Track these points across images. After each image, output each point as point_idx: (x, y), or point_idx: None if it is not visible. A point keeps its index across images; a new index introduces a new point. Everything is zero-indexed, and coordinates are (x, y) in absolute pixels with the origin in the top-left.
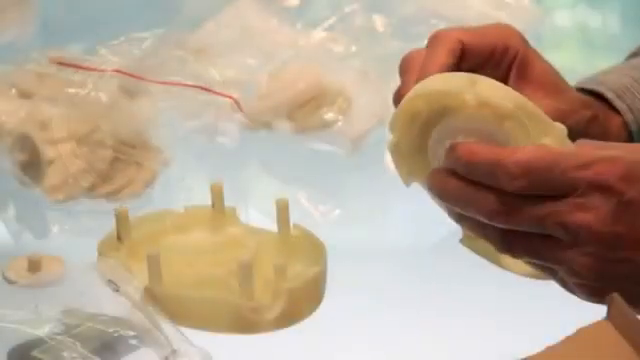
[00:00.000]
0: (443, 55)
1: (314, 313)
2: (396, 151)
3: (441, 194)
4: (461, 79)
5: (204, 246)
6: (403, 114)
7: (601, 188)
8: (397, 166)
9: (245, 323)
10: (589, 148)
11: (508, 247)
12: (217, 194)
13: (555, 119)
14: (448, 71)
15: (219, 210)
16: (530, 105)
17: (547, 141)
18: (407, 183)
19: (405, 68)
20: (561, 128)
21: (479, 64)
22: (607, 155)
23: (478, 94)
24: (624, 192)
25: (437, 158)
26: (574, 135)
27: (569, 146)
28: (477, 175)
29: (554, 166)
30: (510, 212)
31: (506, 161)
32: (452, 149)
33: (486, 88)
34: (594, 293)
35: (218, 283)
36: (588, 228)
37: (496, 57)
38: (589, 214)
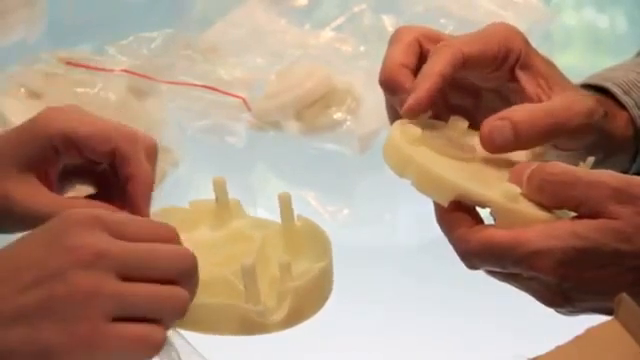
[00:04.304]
0: (442, 64)
1: (321, 311)
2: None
3: None
4: (394, 162)
5: (210, 242)
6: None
7: (537, 279)
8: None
9: (251, 326)
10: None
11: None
12: (219, 188)
13: (576, 125)
14: (444, 80)
15: (223, 204)
16: (464, 190)
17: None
18: None
19: (394, 39)
20: (506, 194)
21: (481, 71)
22: (541, 247)
23: (412, 183)
24: (559, 283)
25: None
26: (592, 132)
27: (514, 213)
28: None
29: (500, 258)
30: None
31: (455, 247)
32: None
33: (415, 181)
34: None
35: (223, 286)
36: (541, 296)
37: (498, 62)
38: (539, 288)
